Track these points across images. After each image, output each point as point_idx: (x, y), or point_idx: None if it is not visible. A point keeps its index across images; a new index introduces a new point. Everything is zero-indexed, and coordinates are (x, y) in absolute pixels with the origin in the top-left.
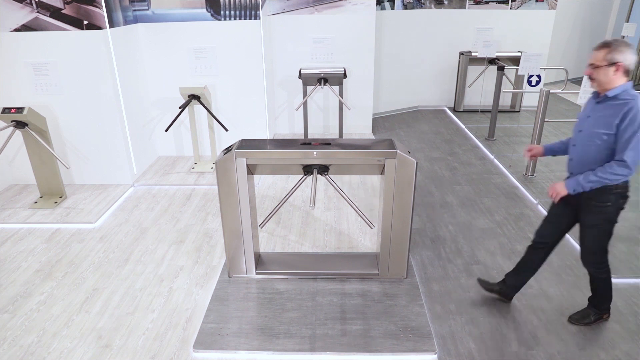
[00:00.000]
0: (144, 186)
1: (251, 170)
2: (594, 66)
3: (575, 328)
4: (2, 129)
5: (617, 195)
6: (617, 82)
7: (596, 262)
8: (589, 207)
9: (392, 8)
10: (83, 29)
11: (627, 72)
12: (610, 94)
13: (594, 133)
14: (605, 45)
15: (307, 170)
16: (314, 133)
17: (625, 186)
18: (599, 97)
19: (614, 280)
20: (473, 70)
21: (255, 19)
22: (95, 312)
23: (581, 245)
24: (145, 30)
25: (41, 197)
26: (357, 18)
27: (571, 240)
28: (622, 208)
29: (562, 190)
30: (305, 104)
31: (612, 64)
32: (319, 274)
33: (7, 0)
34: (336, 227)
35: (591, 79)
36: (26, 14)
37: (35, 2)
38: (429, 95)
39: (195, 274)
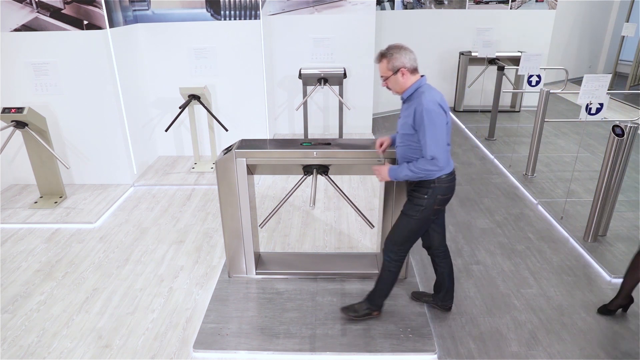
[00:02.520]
0: (144, 186)
1: (251, 170)
2: (384, 78)
3: (576, 328)
4: (2, 129)
5: (435, 190)
6: (409, 83)
7: (393, 252)
8: (409, 196)
9: (392, 8)
10: (83, 29)
11: (414, 70)
12: (404, 95)
13: (402, 135)
14: (383, 56)
15: (307, 170)
16: (314, 133)
17: (445, 185)
18: (403, 99)
19: (615, 280)
20: (473, 70)
21: (255, 19)
22: (95, 312)
23: (390, 230)
24: (145, 30)
25: (41, 197)
26: (357, 18)
27: (571, 240)
28: (440, 207)
29: (384, 174)
30: (305, 104)
31: (397, 70)
32: (319, 274)
33: (7, 0)
34: (336, 227)
35: (389, 88)
36: (26, 14)
37: (35, 2)
38: None
39: (195, 274)
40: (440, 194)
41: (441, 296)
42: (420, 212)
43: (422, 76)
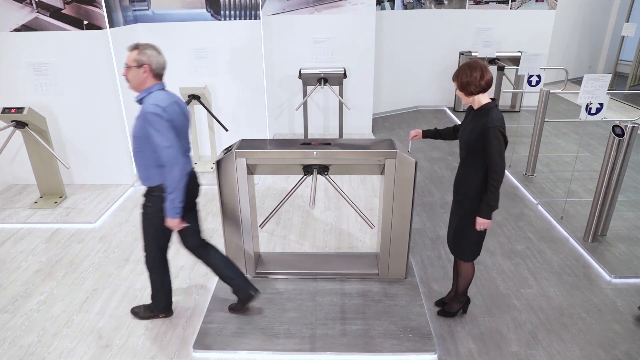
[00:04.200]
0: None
1: (251, 170)
2: (127, 67)
3: (576, 328)
4: (2, 129)
5: (157, 198)
6: (147, 84)
7: (148, 259)
8: (142, 207)
9: (392, 8)
10: (83, 29)
11: (157, 76)
12: (138, 97)
13: (134, 137)
14: (135, 47)
15: (307, 170)
16: (314, 133)
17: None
18: (137, 101)
19: (615, 280)
20: None
21: (255, 19)
22: (95, 312)
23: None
24: (145, 30)
25: (41, 197)
26: (357, 18)
27: (571, 240)
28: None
29: (172, 223)
30: (305, 104)
31: (141, 65)
32: (319, 274)
33: (7, 0)
34: (336, 227)
35: (128, 80)
36: (26, 14)
37: (35, 2)
38: (429, 95)
39: (195, 274)
40: (163, 202)
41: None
42: (149, 220)
43: (162, 83)
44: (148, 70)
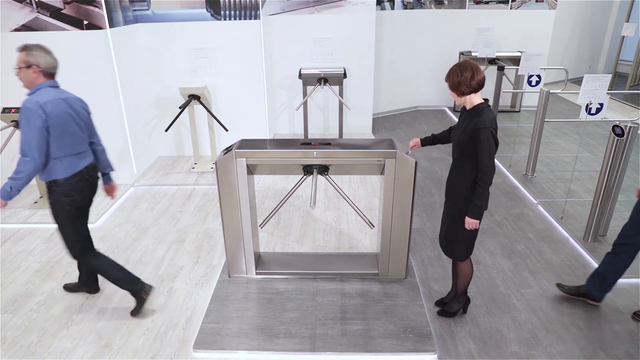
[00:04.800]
0: (144, 186)
1: (251, 170)
2: (17, 67)
3: (576, 328)
4: (2, 129)
5: (58, 193)
6: (37, 82)
7: (73, 249)
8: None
9: (392, 8)
10: (83, 29)
11: (48, 75)
12: (28, 94)
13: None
14: (23, 48)
15: (307, 170)
16: (314, 133)
17: (64, 188)
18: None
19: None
20: None
21: (255, 19)
22: (95, 312)
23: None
24: (145, 30)
25: (41, 197)
26: (357, 18)
27: (571, 240)
28: (71, 206)
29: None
30: (305, 104)
31: (29, 66)
32: (319, 274)
33: (7, 0)
34: (336, 227)
35: (21, 79)
36: (26, 14)
37: (35, 2)
38: (429, 95)
39: (195, 274)
40: (63, 196)
41: (84, 281)
42: (57, 213)
43: (54, 81)
44: (37, 70)
